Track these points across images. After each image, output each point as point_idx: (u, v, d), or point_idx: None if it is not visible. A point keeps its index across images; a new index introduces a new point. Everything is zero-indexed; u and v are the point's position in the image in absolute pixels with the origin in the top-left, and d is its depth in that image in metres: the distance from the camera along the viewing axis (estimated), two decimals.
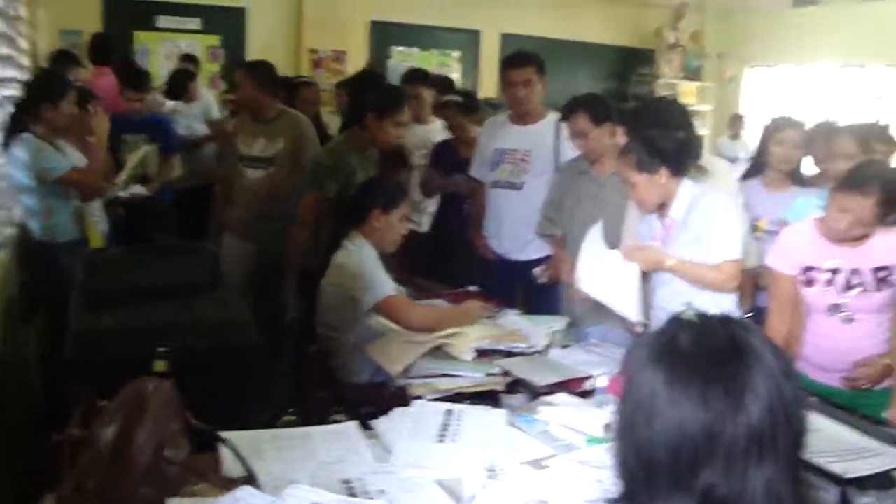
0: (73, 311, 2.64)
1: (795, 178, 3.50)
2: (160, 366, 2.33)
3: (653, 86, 10.29)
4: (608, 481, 1.73)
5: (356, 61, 8.64)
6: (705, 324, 1.11)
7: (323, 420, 2.28)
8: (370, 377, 3.00)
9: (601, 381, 2.50)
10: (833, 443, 2.00)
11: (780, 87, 10.05)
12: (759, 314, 3.11)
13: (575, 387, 2.64)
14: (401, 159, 4.36)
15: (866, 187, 2.54)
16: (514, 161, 3.97)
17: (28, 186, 3.68)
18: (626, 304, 2.87)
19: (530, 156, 3.94)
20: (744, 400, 1.03)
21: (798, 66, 9.71)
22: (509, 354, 2.90)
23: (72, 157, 3.79)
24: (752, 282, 3.25)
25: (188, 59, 6.83)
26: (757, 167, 3.58)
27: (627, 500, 1.13)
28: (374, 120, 3.76)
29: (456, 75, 9.09)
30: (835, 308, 2.72)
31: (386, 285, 3.00)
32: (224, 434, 1.89)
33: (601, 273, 2.95)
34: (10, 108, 4.07)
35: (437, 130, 4.89)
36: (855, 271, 2.68)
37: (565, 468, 1.99)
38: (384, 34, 9.08)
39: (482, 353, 2.87)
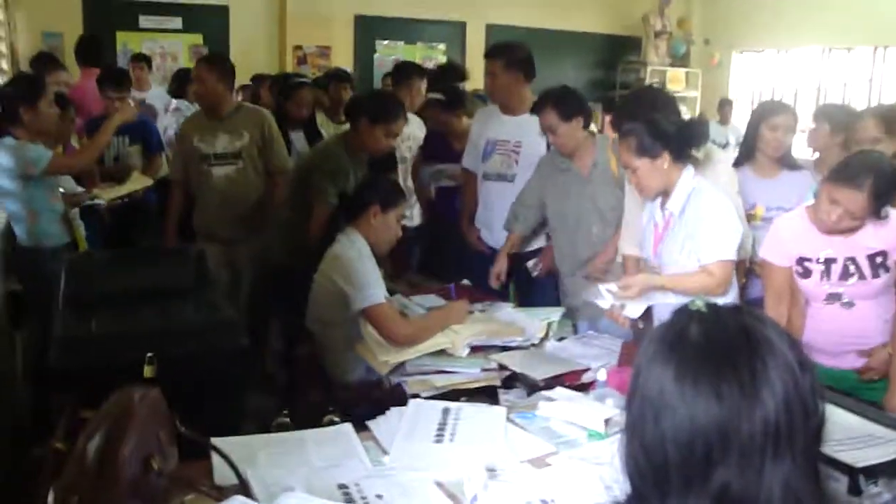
0: (56, 318, 2.58)
1: (784, 161, 3.43)
2: (148, 371, 2.27)
3: (640, 73, 10.27)
4: (611, 478, 1.69)
5: (341, 56, 8.59)
6: (715, 315, 1.05)
7: (317, 422, 2.22)
8: (364, 374, 2.96)
9: (600, 374, 2.44)
10: (840, 430, 1.95)
11: (768, 71, 10.02)
12: (752, 305, 3.06)
13: (573, 380, 2.60)
14: (389, 163, 4.27)
15: (858, 180, 2.47)
16: (505, 152, 3.93)
17: (10, 191, 3.61)
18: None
19: (521, 146, 3.89)
20: (759, 393, 0.97)
21: (785, 50, 9.67)
22: (505, 348, 2.85)
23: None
24: (743, 271, 3.21)
25: (141, 58, 6.70)
26: (748, 153, 3.49)
27: (637, 501, 1.07)
28: (367, 125, 3.71)
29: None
30: (834, 297, 2.68)
31: (377, 289, 2.92)
32: (215, 440, 1.84)
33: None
34: None
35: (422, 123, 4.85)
36: (850, 259, 2.63)
37: (567, 465, 1.95)
38: (369, 28, 9.01)
39: (477, 348, 2.82)
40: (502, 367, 2.70)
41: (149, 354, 2.19)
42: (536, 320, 3.05)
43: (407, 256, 4.20)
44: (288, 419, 2.27)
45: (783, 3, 9.42)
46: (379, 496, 1.78)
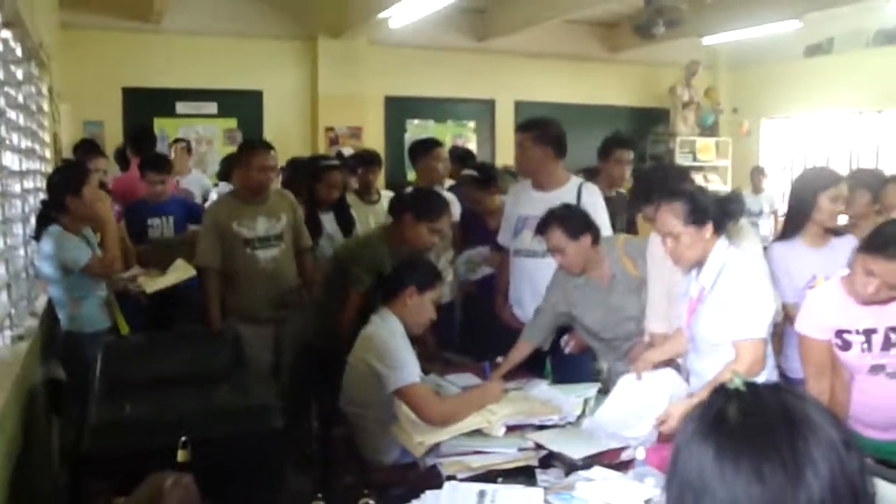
0: (91, 403, 2.59)
1: (831, 228, 3.31)
2: (182, 455, 2.27)
3: (670, 144, 10.31)
4: None
5: (373, 136, 8.74)
6: (754, 393, 1.03)
7: None
8: (399, 457, 2.91)
9: (639, 453, 2.38)
10: None
11: (798, 136, 10.01)
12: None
13: (612, 457, 2.55)
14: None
15: (892, 250, 2.42)
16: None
17: (54, 278, 3.69)
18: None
19: None
20: (803, 475, 0.94)
21: (814, 114, 9.66)
22: (541, 427, 2.80)
23: (96, 246, 3.79)
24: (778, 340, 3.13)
25: (180, 140, 6.90)
26: (799, 224, 3.33)
27: None
28: (411, 221, 3.74)
29: (472, 145, 9.17)
30: (877, 368, 2.60)
31: (411, 370, 2.91)
32: None
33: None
34: (37, 202, 4.13)
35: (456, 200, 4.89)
36: (892, 329, 2.56)
37: None
38: (399, 108, 9.19)
39: (513, 427, 2.78)
40: (539, 447, 2.65)
41: (182, 439, 2.19)
42: (572, 397, 3.01)
43: (447, 330, 4.17)
44: (323, 502, 2.24)
45: (809, 69, 9.50)
46: None
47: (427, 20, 7.47)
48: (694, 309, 2.82)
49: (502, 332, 4.16)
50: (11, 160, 3.64)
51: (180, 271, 4.42)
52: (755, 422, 0.99)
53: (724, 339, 2.71)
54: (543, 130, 3.91)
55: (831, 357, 2.67)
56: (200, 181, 6.58)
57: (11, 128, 3.63)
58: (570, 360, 3.78)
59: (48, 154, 5.28)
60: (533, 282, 3.89)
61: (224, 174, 6.50)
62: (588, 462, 2.48)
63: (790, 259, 3.29)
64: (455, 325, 4.78)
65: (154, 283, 4.29)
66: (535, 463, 2.58)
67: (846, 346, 2.62)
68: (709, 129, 10.52)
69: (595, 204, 3.77)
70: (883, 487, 2.00)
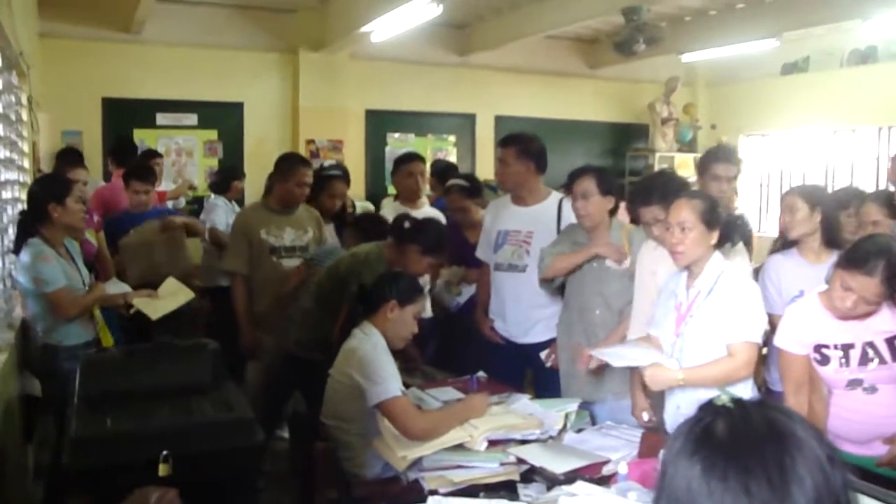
0: (71, 417, 2.57)
1: (832, 242, 3.27)
2: (163, 469, 2.25)
3: (649, 160, 10.38)
4: None
5: (353, 149, 8.74)
6: (741, 409, 1.04)
7: None
8: (381, 471, 2.91)
9: (621, 467, 2.40)
10: None
11: (775, 153, 10.12)
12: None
13: (593, 472, 2.56)
14: None
15: (869, 265, 2.46)
16: (516, 242, 3.94)
17: (31, 291, 3.64)
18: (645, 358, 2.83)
19: (532, 237, 3.91)
20: (790, 491, 0.96)
21: (790, 132, 9.79)
22: (523, 441, 2.81)
23: (70, 273, 3.70)
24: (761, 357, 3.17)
25: (153, 154, 6.79)
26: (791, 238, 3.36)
27: None
28: (417, 252, 3.73)
29: (452, 158, 9.18)
30: (855, 382, 2.64)
31: (393, 384, 2.91)
32: None
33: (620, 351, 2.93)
34: (15, 213, 4.08)
35: (428, 211, 4.94)
36: (868, 344, 2.60)
37: None
38: (380, 122, 9.19)
39: (495, 442, 2.78)
40: (521, 461, 2.66)
41: (164, 453, 2.18)
42: (553, 411, 3.02)
43: (421, 347, 4.17)
44: None
45: (786, 86, 9.62)
46: None
47: (409, 34, 7.49)
48: (684, 318, 2.83)
49: (480, 348, 4.18)
50: None
51: (180, 295, 4.20)
52: (742, 438, 1.00)
53: (719, 345, 2.75)
54: (525, 146, 3.94)
55: (810, 371, 2.71)
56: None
57: None
58: (550, 374, 3.80)
59: (27, 164, 5.24)
60: (515, 296, 3.91)
61: (216, 186, 6.51)
62: (570, 476, 2.49)
63: (783, 271, 3.32)
64: (431, 341, 4.76)
65: (156, 309, 4.04)
66: (516, 477, 2.60)
67: (824, 360, 2.66)
68: (687, 145, 10.61)
69: (574, 220, 3.79)
70: (864, 501, 2.03)
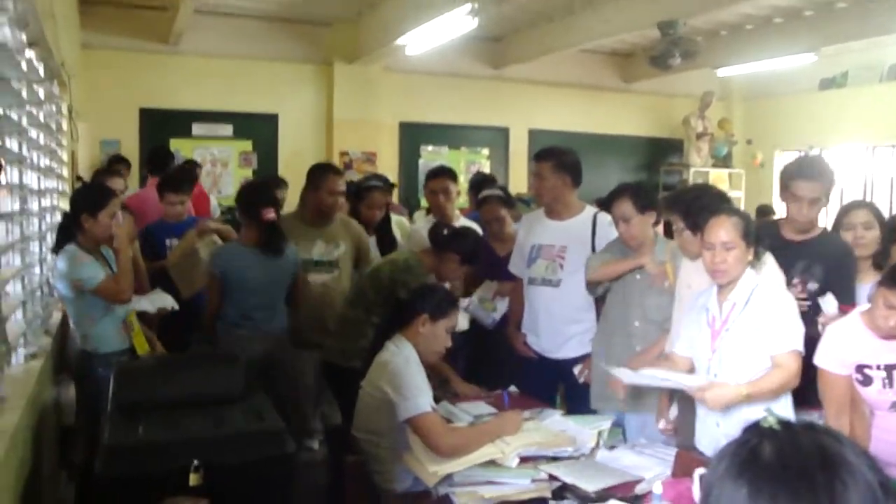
0: (104, 424, 2.58)
1: (877, 262, 3.21)
2: (194, 479, 2.25)
3: (683, 175, 10.30)
4: None
5: (387, 161, 8.77)
6: (789, 433, 1.01)
7: None
8: (411, 485, 2.89)
9: (656, 487, 2.35)
10: None
11: None
12: None
13: (626, 491, 2.52)
14: None
15: None
16: (550, 257, 3.91)
17: (68, 296, 3.68)
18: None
19: (566, 251, 3.88)
20: None
21: (828, 148, 9.66)
22: (555, 458, 2.78)
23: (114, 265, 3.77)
24: None
25: (192, 163, 6.86)
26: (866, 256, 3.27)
27: None
28: (455, 261, 3.81)
29: (486, 171, 9.17)
30: None
31: (423, 398, 2.88)
32: None
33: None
34: (54, 220, 4.13)
35: (463, 222, 4.88)
36: None
37: None
38: (413, 134, 9.23)
39: (526, 458, 2.75)
40: (553, 478, 2.63)
41: (195, 462, 2.18)
42: (587, 429, 2.98)
43: (452, 362, 4.16)
44: None
45: (823, 102, 9.50)
46: None
47: (443, 47, 7.52)
48: (719, 332, 2.79)
49: (513, 361, 4.15)
50: (31, 178, 3.66)
51: (158, 300, 4.21)
52: (792, 463, 0.97)
53: (758, 357, 2.71)
54: (561, 159, 3.92)
55: (851, 392, 2.65)
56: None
57: (32, 146, 3.65)
58: (583, 390, 3.76)
59: (66, 173, 5.31)
60: (548, 310, 3.88)
61: None
62: (603, 495, 2.45)
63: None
64: (461, 354, 4.74)
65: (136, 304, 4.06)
66: (548, 495, 2.56)
67: (867, 381, 2.60)
68: (722, 161, 10.52)
69: (608, 235, 3.75)
70: None
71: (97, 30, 7.30)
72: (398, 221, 5.46)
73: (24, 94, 3.33)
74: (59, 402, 3.63)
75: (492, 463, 2.72)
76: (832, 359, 2.68)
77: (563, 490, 2.59)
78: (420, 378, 2.96)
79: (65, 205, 4.60)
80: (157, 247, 4.90)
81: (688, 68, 8.21)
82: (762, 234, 2.88)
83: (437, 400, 3.11)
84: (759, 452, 0.99)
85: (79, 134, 5.98)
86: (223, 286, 4.03)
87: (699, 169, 10.28)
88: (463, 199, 7.21)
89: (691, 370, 2.91)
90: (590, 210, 3.95)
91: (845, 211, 3.38)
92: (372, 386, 2.98)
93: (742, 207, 10.08)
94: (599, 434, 2.98)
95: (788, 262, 3.11)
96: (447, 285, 3.76)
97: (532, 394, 3.58)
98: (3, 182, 3.09)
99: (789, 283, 3.09)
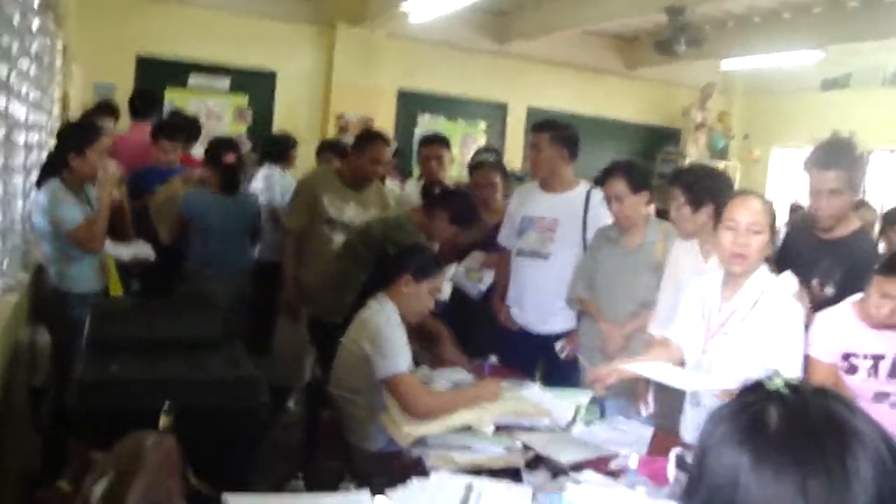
0: (78, 361, 2.54)
1: None
2: (164, 420, 2.22)
3: (679, 164, 10.25)
4: None
5: (384, 128, 8.65)
6: (797, 397, 0.95)
7: (331, 489, 2.13)
8: (385, 444, 2.86)
9: (631, 461, 2.33)
10: None
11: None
12: None
13: (600, 466, 2.49)
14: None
15: None
16: (541, 229, 3.88)
17: (46, 232, 3.62)
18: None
19: (557, 225, 3.85)
20: (851, 489, 0.87)
21: None
22: (531, 429, 2.75)
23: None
24: None
25: (194, 120, 6.57)
26: None
27: None
28: (445, 219, 3.77)
29: (482, 144, 9.11)
30: (881, 396, 2.56)
31: (402, 358, 2.85)
32: (227, 496, 1.76)
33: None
34: (40, 157, 4.06)
35: None
36: None
37: None
38: (411, 102, 9.15)
39: (501, 427, 2.72)
40: (527, 448, 2.60)
41: (167, 403, 2.14)
42: (564, 402, 2.95)
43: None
44: (302, 482, 2.20)
45: (825, 102, 9.47)
46: None
47: (447, 17, 7.43)
48: (715, 333, 2.65)
49: (495, 332, 4.11)
50: (18, 110, 3.58)
51: (136, 249, 4.29)
52: (799, 430, 0.91)
53: (748, 364, 2.50)
54: (559, 132, 3.88)
55: (836, 381, 2.62)
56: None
57: (21, 77, 3.57)
58: (563, 366, 3.74)
59: (56, 110, 5.22)
60: (536, 283, 3.85)
61: (272, 156, 5.69)
62: (577, 467, 2.43)
63: None
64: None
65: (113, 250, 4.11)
66: (521, 464, 2.53)
67: (852, 369, 2.58)
68: (718, 154, 10.48)
69: (602, 215, 3.71)
70: None
71: None
72: (389, 189, 5.40)
73: (16, 21, 3.24)
74: (32, 349, 3.57)
75: (467, 429, 2.69)
76: (818, 346, 2.65)
77: (536, 461, 2.56)
78: (400, 339, 2.92)
79: (52, 143, 4.51)
80: (145, 192, 4.82)
81: (692, 57, 8.14)
82: (794, 225, 2.76)
83: (416, 363, 3.08)
84: (763, 419, 0.93)
85: (73, 74, 5.88)
86: (189, 228, 4.33)
87: (695, 160, 10.23)
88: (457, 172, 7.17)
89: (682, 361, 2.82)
90: (584, 185, 3.91)
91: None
92: (351, 342, 2.95)
93: None
94: (577, 408, 2.95)
95: (812, 261, 2.92)
96: (435, 246, 3.74)
97: (513, 367, 3.55)
98: None
99: (808, 285, 2.87)
